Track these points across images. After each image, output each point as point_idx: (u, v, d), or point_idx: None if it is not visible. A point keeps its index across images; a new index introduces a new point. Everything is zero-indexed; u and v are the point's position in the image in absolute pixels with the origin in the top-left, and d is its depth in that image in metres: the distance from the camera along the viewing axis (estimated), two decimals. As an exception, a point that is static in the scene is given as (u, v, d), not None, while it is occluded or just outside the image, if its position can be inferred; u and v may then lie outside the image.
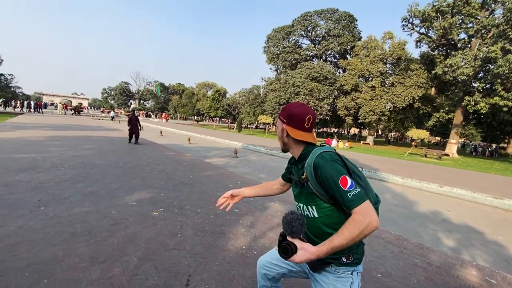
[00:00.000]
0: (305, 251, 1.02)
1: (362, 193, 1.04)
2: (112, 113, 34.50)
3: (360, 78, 27.43)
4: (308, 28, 34.67)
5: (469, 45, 20.36)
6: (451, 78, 20.03)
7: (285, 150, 1.32)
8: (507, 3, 16.62)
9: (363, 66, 25.86)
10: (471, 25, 19.98)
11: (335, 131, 52.01)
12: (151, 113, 72.34)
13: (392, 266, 2.79)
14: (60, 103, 44.56)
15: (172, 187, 5.07)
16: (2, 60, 31.46)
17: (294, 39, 36.70)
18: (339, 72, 33.09)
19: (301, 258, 1.01)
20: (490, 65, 18.55)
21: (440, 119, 25.29)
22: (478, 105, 18.51)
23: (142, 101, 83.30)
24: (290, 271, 1.43)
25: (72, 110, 41.89)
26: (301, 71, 28.34)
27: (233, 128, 37.94)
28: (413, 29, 22.62)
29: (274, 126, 47.64)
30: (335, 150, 1.20)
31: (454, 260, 3.09)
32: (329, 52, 35.78)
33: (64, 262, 2.31)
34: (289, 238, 1.05)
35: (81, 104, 52.71)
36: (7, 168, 5.36)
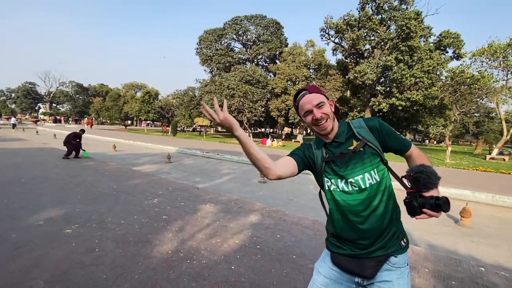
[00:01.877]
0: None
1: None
2: (13, 120, 28.47)
3: (289, 82, 29.69)
4: (239, 32, 35.66)
5: (373, 55, 24.46)
6: (360, 83, 23.67)
7: (329, 130, 1.19)
8: (398, 21, 20.60)
9: (290, 70, 28.11)
10: (373, 37, 24.01)
11: (270, 131, 54.83)
12: (65, 118, 62.38)
13: (306, 247, 3.24)
14: None
15: (91, 200, 4.61)
16: None
17: (227, 42, 37.21)
18: (270, 76, 35.04)
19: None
20: (388, 72, 22.65)
21: (354, 118, 29.52)
22: (381, 105, 22.38)
23: (54, 105, 71.03)
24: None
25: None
26: (235, 74, 28.94)
27: (168, 132, 36.01)
28: (329, 39, 25.83)
29: (212, 128, 47.16)
30: None
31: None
32: (260, 57, 37.52)
33: None
34: (426, 194, 0.97)
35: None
36: None
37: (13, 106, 68.99)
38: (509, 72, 19.29)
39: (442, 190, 7.41)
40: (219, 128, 49.64)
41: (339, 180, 1.17)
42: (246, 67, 31.95)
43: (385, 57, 21.31)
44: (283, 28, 36.66)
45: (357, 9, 24.14)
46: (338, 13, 55.38)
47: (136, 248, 2.93)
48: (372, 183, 1.12)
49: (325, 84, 27.39)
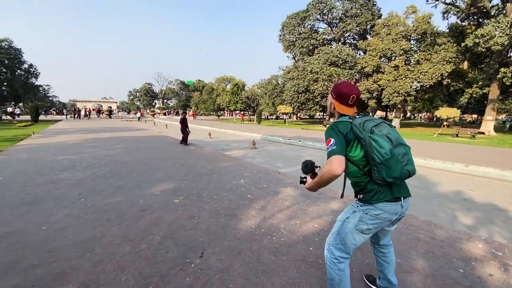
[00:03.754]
0: (307, 182, 1.79)
1: (335, 150, 1.45)
2: (138, 114, 36.51)
3: (382, 59, 26.14)
4: (324, 11, 33.44)
5: (504, 12, 18.46)
6: (484, 50, 18.40)
7: (331, 117, 1.82)
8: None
9: (385, 45, 24.56)
10: (506, -12, 18.07)
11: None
12: (174, 111, 74.94)
13: (393, 240, 2.92)
14: (90, 108, 47.98)
15: (192, 178, 5.51)
16: (39, 73, 34.46)
17: (310, 24, 35.65)
18: (359, 54, 31.71)
19: (306, 185, 1.78)
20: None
21: (474, 95, 23.42)
22: (517, 76, 16.91)
23: (165, 100, 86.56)
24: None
25: (104, 114, 45.03)
26: (318, 57, 27.64)
27: (253, 120, 38.28)
28: (438, 0, 20.96)
29: (294, 116, 47.18)
30: (351, 121, 1.56)
31: (461, 235, 3.14)
32: (347, 34, 34.33)
33: (101, 241, 2.78)
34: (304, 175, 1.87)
35: (111, 107, 56.17)
36: (51, 168, 6.17)
37: (138, 103, 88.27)
38: None
39: None
40: (302, 115, 49.04)
41: None
42: (331, 47, 29.93)
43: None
44: (375, -3, 32.11)
45: (482, -47, 18.47)
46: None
47: (225, 220, 3.37)
48: None
49: (431, 56, 22.72)
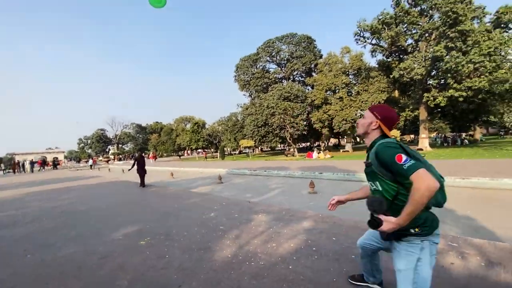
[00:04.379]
0: (388, 222, 1.39)
1: (417, 163, 1.32)
2: (90, 162, 33.58)
3: (328, 92, 29.16)
4: (273, 54, 36.95)
5: (417, 48, 22.67)
6: (408, 79, 21.93)
7: (361, 136, 1.74)
8: (441, 8, 19.01)
9: (328, 80, 27.67)
10: (415, 31, 22.41)
11: (316, 144, 53.51)
12: (130, 155, 70.76)
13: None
14: (32, 160, 42.60)
15: (158, 218, 5.15)
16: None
17: (262, 65, 38.76)
18: (307, 89, 34.97)
19: (387, 227, 1.39)
20: (439, 63, 20.62)
21: (408, 118, 27.07)
22: (437, 99, 20.21)
23: (120, 145, 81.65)
24: (379, 247, 1.91)
25: (49, 165, 40.16)
26: (273, 93, 29.70)
27: (216, 157, 38.02)
28: (365, 41, 24.95)
29: (256, 149, 48.22)
30: (396, 140, 1.54)
31: (420, 233, 3.44)
32: (295, 73, 37.96)
33: (55, 298, 2.38)
34: (375, 215, 1.45)
35: (57, 158, 50.75)
36: (-17, 229, 5.21)
37: (89, 150, 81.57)
38: None
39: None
40: (264, 147, 50.43)
41: (366, 175, 1.75)
42: (282, 85, 32.59)
43: (433, 48, 19.56)
44: (315, 41, 36.84)
45: (391, 6, 23.07)
46: (369, 15, 53.49)
47: (199, 254, 3.18)
48: (376, 189, 1.59)
49: (368, 87, 26.15)
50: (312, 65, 35.06)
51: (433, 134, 52.82)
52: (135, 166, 10.87)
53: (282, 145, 53.75)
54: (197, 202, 6.48)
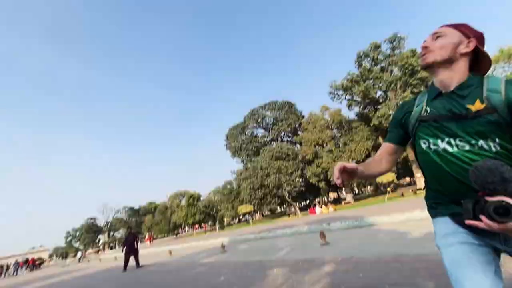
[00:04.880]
0: None
1: None
2: (79, 254, 30.72)
3: (317, 147, 30.34)
4: (258, 120, 39.62)
5: (388, 97, 25.10)
6: (387, 125, 23.46)
7: (434, 65, 1.07)
8: (398, 63, 21.98)
9: (315, 136, 29.17)
10: (381, 84, 25.24)
11: (317, 200, 52.22)
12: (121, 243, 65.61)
13: (396, 276, 2.81)
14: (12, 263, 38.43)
15: (162, 292, 4.58)
16: None
17: (250, 131, 40.97)
18: (297, 147, 36.32)
19: None
20: (410, 108, 22.48)
21: (398, 161, 27.79)
22: (419, 139, 21.29)
23: (112, 233, 76.45)
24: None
25: (26, 267, 35.97)
26: (264, 155, 30.52)
27: (215, 230, 35.83)
28: (340, 98, 27.59)
29: (256, 214, 46.26)
30: None
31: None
32: (282, 134, 40.05)
33: None
34: (489, 199, 0.76)
35: (41, 257, 46.20)
36: None
37: (77, 244, 75.41)
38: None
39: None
40: (265, 212, 48.53)
41: (440, 140, 1.03)
42: (272, 146, 33.85)
43: (401, 95, 21.78)
44: (295, 105, 40.32)
45: (355, 67, 26.56)
46: (338, 75, 60.56)
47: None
48: (487, 150, 0.93)
49: (352, 137, 27.51)
50: (297, 125, 37.38)
51: (427, 174, 53.08)
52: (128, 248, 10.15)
53: (282, 207, 52.02)
54: (203, 271, 5.88)
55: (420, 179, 23.32)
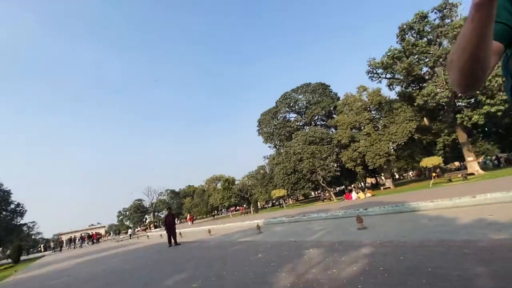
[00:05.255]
0: None
1: None
2: (129, 231, 34.46)
3: (353, 130, 28.96)
4: (291, 104, 38.89)
5: (435, 74, 22.65)
6: (434, 104, 21.37)
7: None
8: (449, 34, 19.59)
9: (351, 119, 27.78)
10: (427, 59, 22.79)
11: (353, 185, 50.63)
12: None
13: (440, 260, 2.71)
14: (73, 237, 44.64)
15: (205, 265, 5.00)
16: (26, 211, 33.56)
17: (282, 116, 40.55)
18: (331, 131, 35.10)
19: None
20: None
21: (446, 143, 25.37)
22: (473, 118, 19.10)
23: (156, 213, 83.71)
24: None
25: (90, 241, 41.62)
26: (297, 140, 30.13)
27: (250, 213, 37.08)
28: (380, 77, 25.63)
29: (289, 199, 46.64)
30: None
31: (504, 241, 2.98)
32: (316, 118, 38.89)
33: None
34: None
35: (99, 233, 52.71)
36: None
37: (127, 222, 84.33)
38: None
39: None
40: (299, 197, 48.65)
41: None
42: (305, 130, 33.19)
43: (451, 70, 19.47)
44: (329, 86, 38.57)
45: (397, 42, 24.24)
46: (377, 53, 55.72)
47: (256, 287, 2.99)
48: None
49: (394, 119, 25.66)
50: (331, 108, 35.92)
51: (481, 158, 47.93)
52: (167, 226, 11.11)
53: (316, 192, 51.52)
54: (241, 249, 6.25)
55: (472, 164, 21.15)
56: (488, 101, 17.89)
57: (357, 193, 22.10)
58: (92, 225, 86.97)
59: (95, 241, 39.52)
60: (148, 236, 29.40)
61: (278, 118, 40.48)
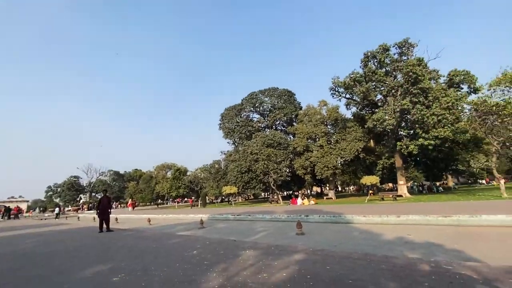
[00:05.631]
0: None
1: None
2: (56, 210, 30.61)
3: (309, 140, 30.47)
4: (256, 105, 39.22)
5: (387, 102, 25.11)
6: (381, 129, 23.66)
7: None
8: (403, 69, 21.83)
9: (309, 129, 29.19)
10: (383, 88, 25.12)
11: (300, 192, 53.19)
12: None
13: (361, 273, 2.92)
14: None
15: (134, 257, 4.64)
16: None
17: (246, 115, 40.62)
18: (289, 138, 36.40)
19: None
20: (407, 115, 22.75)
21: (385, 165, 28.32)
22: (409, 147, 21.65)
23: (93, 194, 76.35)
24: None
25: (6, 215, 35.82)
26: (256, 140, 30.50)
27: (197, 206, 36.25)
28: (340, 96, 27.42)
29: (239, 197, 46.93)
30: None
31: (416, 260, 3.35)
32: (277, 122, 39.93)
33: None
34: None
35: (20, 208, 45.84)
36: None
37: (57, 200, 75.21)
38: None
39: (506, 219, 6.55)
40: (247, 196, 49.28)
41: None
42: (265, 133, 33.80)
43: (400, 102, 21.83)
44: (295, 95, 39.97)
45: (360, 67, 26.23)
46: (341, 72, 59.93)
47: (182, 286, 2.84)
48: None
49: (345, 136, 27.69)
50: (293, 116, 37.25)
51: (410, 183, 54.84)
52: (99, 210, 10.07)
53: (265, 194, 52.80)
54: (178, 242, 5.98)
55: (402, 187, 23.97)
56: (423, 135, 20.48)
57: (302, 200, 23.24)
58: (12, 197, 75.35)
59: (13, 216, 34.24)
60: (79, 217, 26.59)
61: (242, 116, 40.48)
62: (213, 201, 47.24)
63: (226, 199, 44.71)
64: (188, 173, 45.80)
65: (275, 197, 29.76)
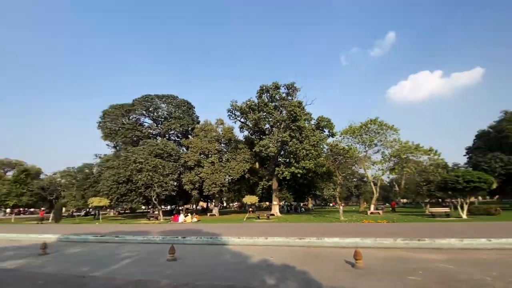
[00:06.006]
0: None
1: None
2: None
3: (202, 155, 30.45)
4: (150, 109, 36.05)
5: (272, 132, 28.76)
6: (265, 155, 26.67)
7: None
8: (287, 108, 25.78)
9: (203, 145, 29.28)
10: (271, 119, 28.71)
11: (184, 207, 51.31)
12: None
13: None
14: None
15: None
16: None
17: (135, 117, 36.47)
18: (182, 150, 35.18)
19: None
20: (285, 146, 26.71)
21: (264, 186, 31.74)
22: (284, 173, 25.32)
23: None
24: None
25: None
26: (143, 148, 27.62)
27: (48, 220, 28.20)
28: (236, 118, 29.31)
29: (111, 211, 40.32)
30: None
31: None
32: (172, 132, 37.95)
33: None
34: None
35: None
36: None
37: None
38: (366, 146, 26.31)
39: (339, 241, 8.48)
40: (122, 209, 42.93)
41: None
42: (156, 141, 31.29)
43: (282, 134, 25.58)
44: (194, 107, 39.51)
45: (255, 97, 29.18)
46: (240, 97, 64.69)
47: None
48: None
49: (235, 156, 29.41)
50: (189, 128, 36.50)
51: (282, 203, 63.74)
52: None
53: (145, 207, 47.68)
54: (-9, 285, 4.34)
55: (275, 206, 27.41)
56: (295, 164, 24.56)
57: (185, 216, 22.47)
58: None
59: None
60: None
61: (130, 118, 36.08)
62: (73, 214, 38.21)
63: (93, 213, 37.22)
64: (41, 176, 35.59)
65: (156, 212, 27.38)
